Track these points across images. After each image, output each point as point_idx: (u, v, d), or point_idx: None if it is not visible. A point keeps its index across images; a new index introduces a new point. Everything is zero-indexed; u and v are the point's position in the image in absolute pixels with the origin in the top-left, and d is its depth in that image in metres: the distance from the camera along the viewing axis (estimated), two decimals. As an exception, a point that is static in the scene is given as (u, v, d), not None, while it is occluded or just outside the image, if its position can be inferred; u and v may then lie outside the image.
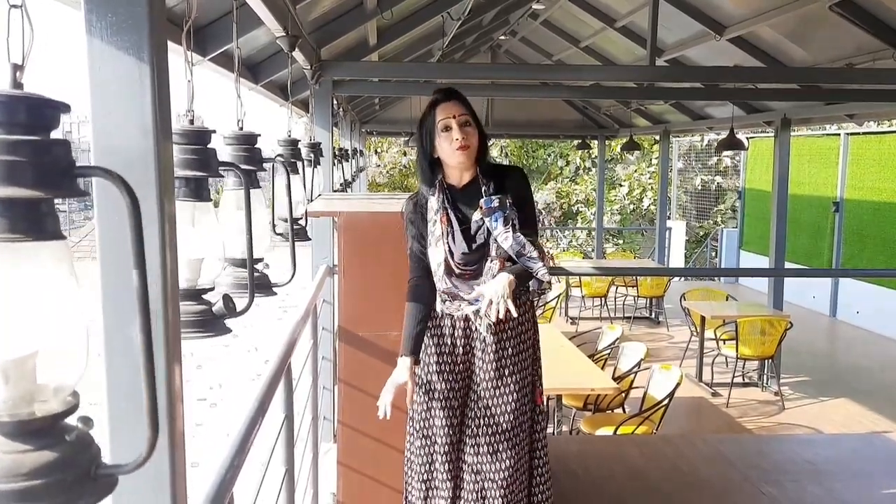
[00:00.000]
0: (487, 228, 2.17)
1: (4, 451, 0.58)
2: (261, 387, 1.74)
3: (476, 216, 2.17)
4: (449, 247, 2.17)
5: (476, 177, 2.22)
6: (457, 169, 2.21)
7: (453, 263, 2.17)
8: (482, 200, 2.16)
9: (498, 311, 2.04)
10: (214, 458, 1.33)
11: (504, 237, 2.14)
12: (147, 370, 0.64)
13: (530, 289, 2.25)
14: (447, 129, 2.14)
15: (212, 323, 1.11)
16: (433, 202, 2.21)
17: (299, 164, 2.25)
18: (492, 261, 2.17)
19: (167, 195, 0.96)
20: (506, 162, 16.30)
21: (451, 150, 2.14)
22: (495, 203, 2.15)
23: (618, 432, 4.12)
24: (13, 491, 0.56)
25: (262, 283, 1.35)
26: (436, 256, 2.20)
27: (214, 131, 1.15)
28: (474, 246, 2.17)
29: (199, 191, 1.09)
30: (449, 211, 2.19)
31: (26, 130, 0.56)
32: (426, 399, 2.28)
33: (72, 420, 0.61)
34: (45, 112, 0.58)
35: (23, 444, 0.58)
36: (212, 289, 1.15)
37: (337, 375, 3.02)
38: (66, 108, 0.60)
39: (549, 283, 2.24)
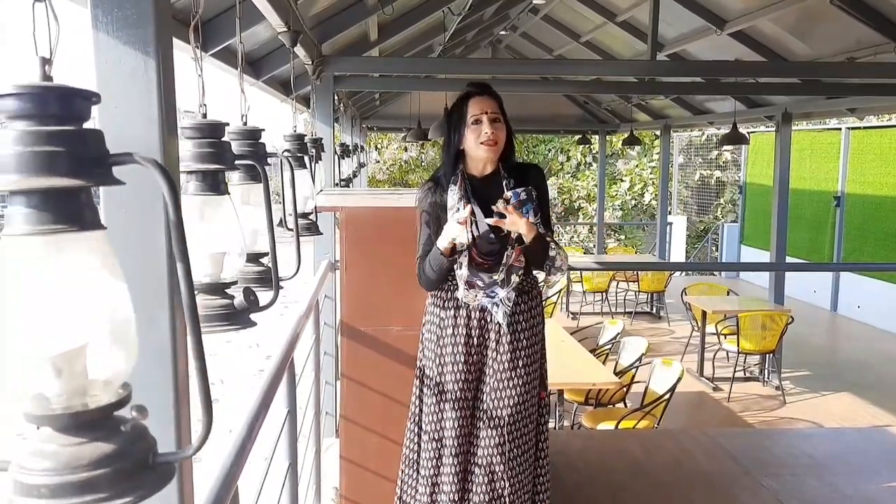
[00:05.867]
0: None
1: (62, 444, 0.58)
2: (264, 382, 1.74)
3: (499, 206, 2.18)
4: (473, 235, 2.20)
5: (496, 169, 2.25)
6: (480, 161, 2.25)
7: (475, 252, 2.20)
8: (509, 193, 2.19)
9: (507, 215, 2.09)
10: (218, 453, 1.33)
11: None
12: (198, 358, 0.65)
13: (545, 266, 2.23)
14: (477, 122, 2.19)
15: (237, 316, 1.12)
16: (453, 193, 2.23)
17: (306, 158, 2.25)
18: (511, 249, 2.20)
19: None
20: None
21: (478, 144, 2.18)
22: (523, 196, 2.19)
23: (619, 427, 4.13)
24: (75, 482, 0.56)
25: (266, 277, 1.36)
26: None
27: (228, 124, 1.16)
28: (500, 235, 2.20)
29: (216, 184, 1.10)
30: (472, 201, 2.21)
31: (60, 121, 0.57)
32: (437, 400, 2.29)
33: (125, 411, 0.62)
34: (76, 102, 0.58)
35: (79, 437, 0.58)
36: (235, 282, 1.16)
37: (339, 370, 3.03)
38: (96, 97, 0.60)
39: (561, 268, 2.22)
